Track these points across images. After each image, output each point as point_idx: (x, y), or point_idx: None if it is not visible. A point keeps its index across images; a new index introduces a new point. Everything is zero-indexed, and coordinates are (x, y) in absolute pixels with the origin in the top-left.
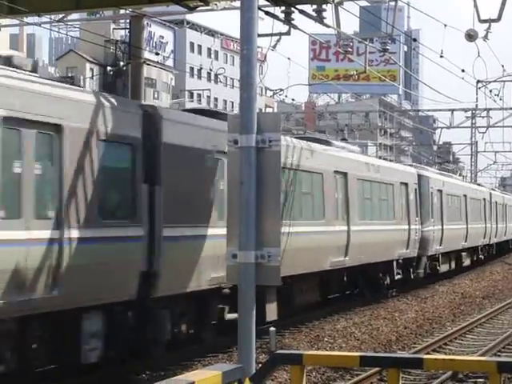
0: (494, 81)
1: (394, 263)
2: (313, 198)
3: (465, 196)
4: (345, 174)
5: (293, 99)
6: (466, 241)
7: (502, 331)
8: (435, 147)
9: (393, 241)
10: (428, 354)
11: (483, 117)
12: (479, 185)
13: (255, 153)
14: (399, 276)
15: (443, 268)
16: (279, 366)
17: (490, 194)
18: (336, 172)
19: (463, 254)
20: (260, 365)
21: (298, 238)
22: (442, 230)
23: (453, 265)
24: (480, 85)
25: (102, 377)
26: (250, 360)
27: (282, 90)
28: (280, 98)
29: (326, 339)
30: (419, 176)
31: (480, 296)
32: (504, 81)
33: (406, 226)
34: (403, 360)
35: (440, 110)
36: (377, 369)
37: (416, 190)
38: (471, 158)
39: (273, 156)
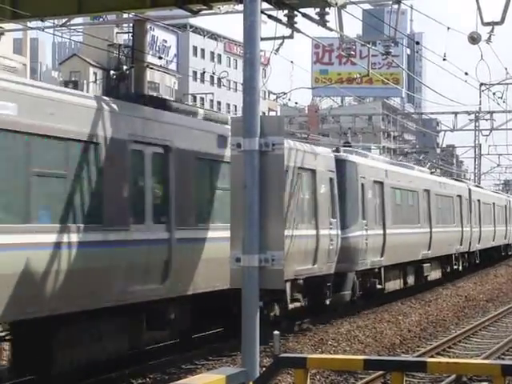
0: (498, 83)
1: (288, 285)
2: (82, 187)
3: (427, 191)
4: (165, 149)
5: (296, 102)
6: (429, 249)
7: (506, 334)
8: (438, 150)
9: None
10: (432, 357)
11: (487, 119)
12: (457, 179)
13: (258, 156)
14: (297, 303)
15: (391, 285)
16: (283, 370)
17: (470, 190)
18: (138, 143)
19: (425, 265)
20: (264, 368)
21: (53, 253)
22: (384, 235)
23: (410, 280)
24: (483, 87)
25: (104, 380)
26: (253, 364)
27: (285, 93)
28: (283, 102)
29: (329, 343)
30: (339, 161)
31: (484, 299)
32: (507, 83)
33: (312, 231)
34: (407, 363)
35: (443, 113)
36: (381, 372)
37: (332, 179)
38: (475, 160)
39: (276, 159)
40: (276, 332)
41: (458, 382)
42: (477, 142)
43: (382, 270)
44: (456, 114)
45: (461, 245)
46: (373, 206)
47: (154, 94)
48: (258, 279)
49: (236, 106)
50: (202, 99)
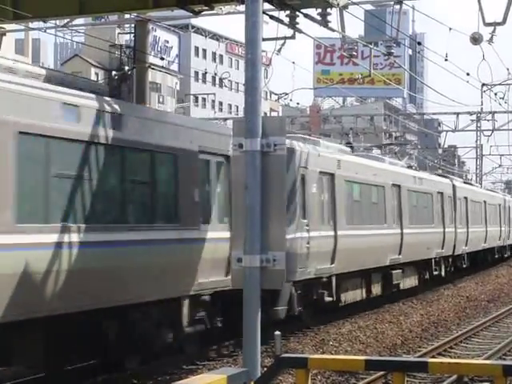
0: (499, 84)
1: (185, 303)
2: None
3: (397, 187)
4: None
5: (298, 103)
6: (399, 253)
7: (508, 334)
8: (440, 150)
9: (176, 263)
10: (433, 357)
11: (488, 120)
12: (442, 175)
13: (260, 157)
14: (200, 326)
15: (350, 296)
16: (284, 370)
17: (454, 186)
18: None
19: (395, 272)
20: (265, 368)
21: None
22: (336, 237)
23: (376, 289)
24: (485, 88)
25: (105, 380)
26: (255, 364)
27: (286, 93)
28: (285, 102)
29: (331, 343)
30: None
31: (485, 299)
32: (509, 84)
33: (224, 233)
34: (408, 364)
35: (445, 114)
36: (382, 372)
37: None
38: (476, 161)
39: (278, 160)
40: (277, 332)
41: (460, 383)
42: (478, 142)
43: (334, 278)
44: (458, 114)
45: (442, 248)
46: (318, 202)
47: (157, 95)
48: (259, 279)
49: (238, 107)
50: (204, 100)
